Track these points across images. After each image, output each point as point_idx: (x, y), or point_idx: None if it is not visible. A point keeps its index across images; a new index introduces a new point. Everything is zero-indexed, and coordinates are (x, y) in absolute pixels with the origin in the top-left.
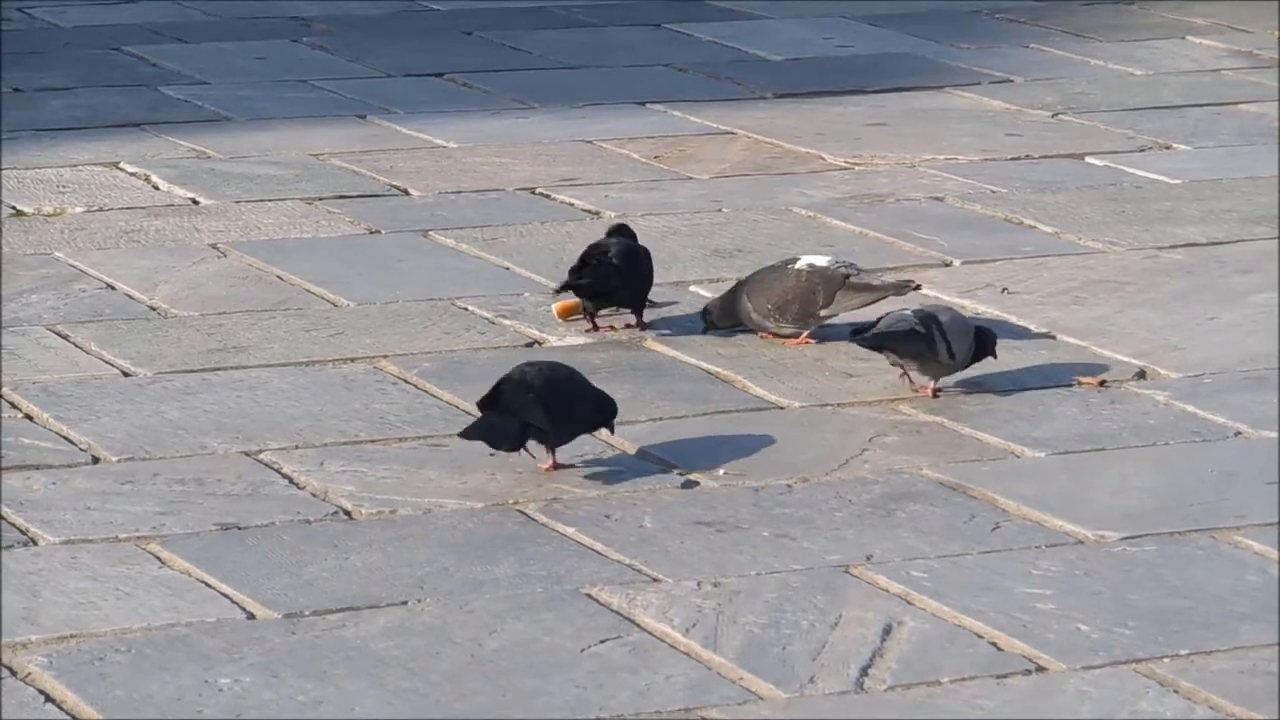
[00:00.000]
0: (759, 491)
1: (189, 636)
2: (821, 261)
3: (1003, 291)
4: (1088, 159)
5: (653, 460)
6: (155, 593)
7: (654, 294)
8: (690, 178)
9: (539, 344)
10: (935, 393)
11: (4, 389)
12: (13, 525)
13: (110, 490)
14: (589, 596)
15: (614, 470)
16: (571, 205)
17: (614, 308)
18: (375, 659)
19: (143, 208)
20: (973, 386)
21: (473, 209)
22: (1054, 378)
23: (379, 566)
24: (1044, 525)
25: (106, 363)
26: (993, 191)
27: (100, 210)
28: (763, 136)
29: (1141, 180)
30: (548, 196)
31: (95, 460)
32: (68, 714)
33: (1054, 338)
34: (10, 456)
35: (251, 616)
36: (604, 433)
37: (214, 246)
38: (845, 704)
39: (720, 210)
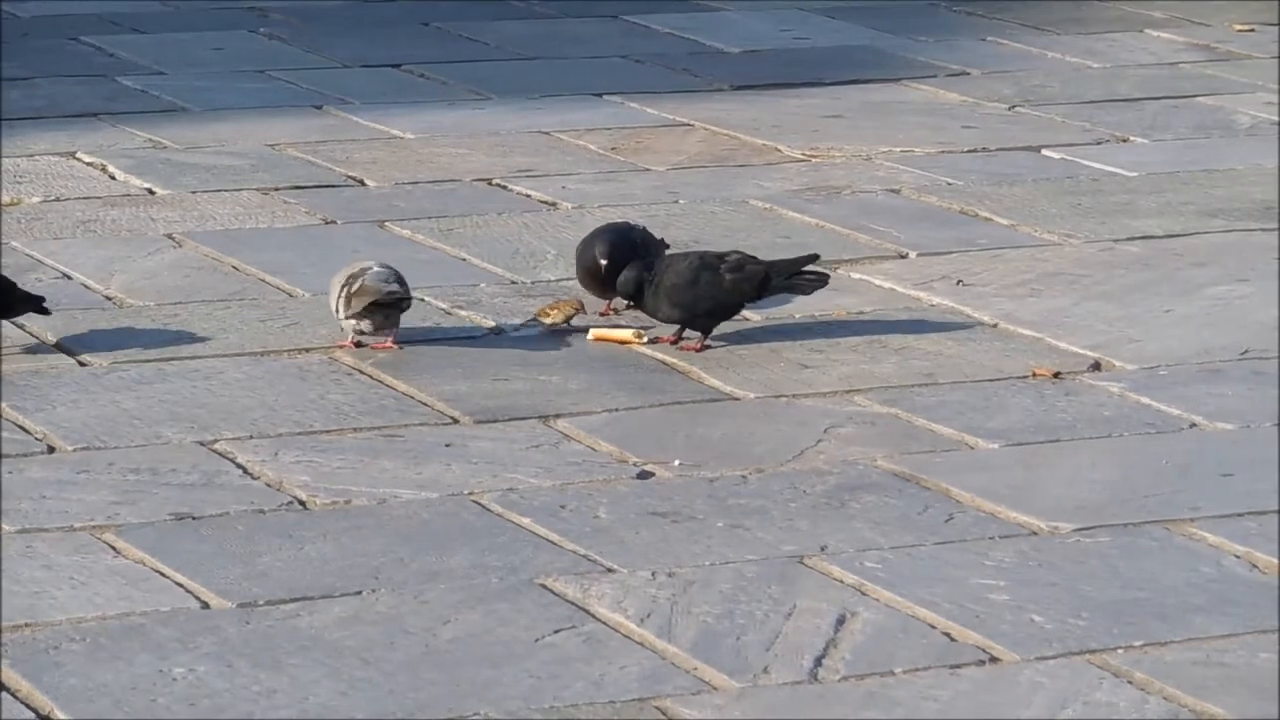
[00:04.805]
0: (714, 482)
1: (143, 626)
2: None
3: (958, 284)
4: (1044, 151)
5: (608, 451)
6: (110, 582)
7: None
8: (647, 169)
9: (496, 333)
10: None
11: None
12: None
13: (65, 479)
14: (543, 587)
15: (569, 461)
16: (528, 197)
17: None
18: (329, 649)
19: (99, 198)
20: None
21: (429, 200)
22: (1008, 370)
23: (333, 557)
24: (998, 516)
25: (63, 351)
26: (949, 184)
27: (57, 200)
28: (720, 128)
29: (1098, 173)
30: (504, 188)
31: (50, 450)
32: (22, 703)
33: (1008, 329)
34: None
35: (206, 606)
36: (561, 422)
37: (169, 236)
38: (799, 694)
39: (677, 202)
